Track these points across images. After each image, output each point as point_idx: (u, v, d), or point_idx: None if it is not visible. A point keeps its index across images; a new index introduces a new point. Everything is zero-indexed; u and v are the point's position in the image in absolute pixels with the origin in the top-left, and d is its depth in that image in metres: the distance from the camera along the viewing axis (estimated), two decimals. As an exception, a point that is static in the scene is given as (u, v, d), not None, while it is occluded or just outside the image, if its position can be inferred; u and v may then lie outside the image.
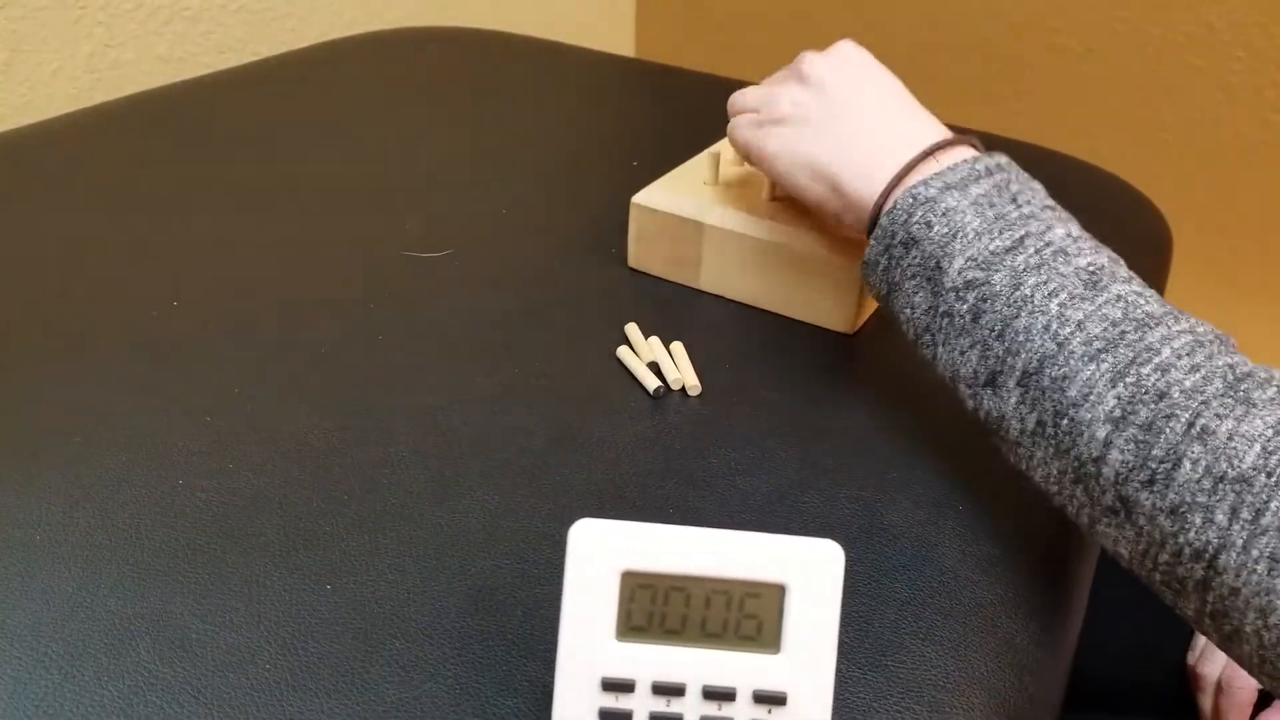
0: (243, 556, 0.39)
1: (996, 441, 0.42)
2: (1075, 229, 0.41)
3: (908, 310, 0.43)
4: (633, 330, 0.53)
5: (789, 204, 0.56)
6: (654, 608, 0.29)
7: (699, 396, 0.49)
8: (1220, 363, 0.36)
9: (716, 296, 0.58)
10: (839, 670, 0.35)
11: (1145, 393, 0.36)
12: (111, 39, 0.87)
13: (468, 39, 0.98)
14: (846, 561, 0.30)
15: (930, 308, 0.42)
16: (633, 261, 0.60)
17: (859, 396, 0.50)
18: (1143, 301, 0.38)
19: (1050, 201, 0.43)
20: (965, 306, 0.40)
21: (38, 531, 0.39)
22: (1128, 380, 0.36)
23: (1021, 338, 0.39)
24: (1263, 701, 0.58)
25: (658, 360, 0.51)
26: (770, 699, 0.29)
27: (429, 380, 0.49)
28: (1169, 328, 0.37)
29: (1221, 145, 1.24)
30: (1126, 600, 0.63)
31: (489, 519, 0.41)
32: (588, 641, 0.30)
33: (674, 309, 0.57)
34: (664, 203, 0.57)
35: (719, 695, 0.30)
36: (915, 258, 0.42)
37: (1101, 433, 0.36)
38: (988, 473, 0.46)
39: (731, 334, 0.55)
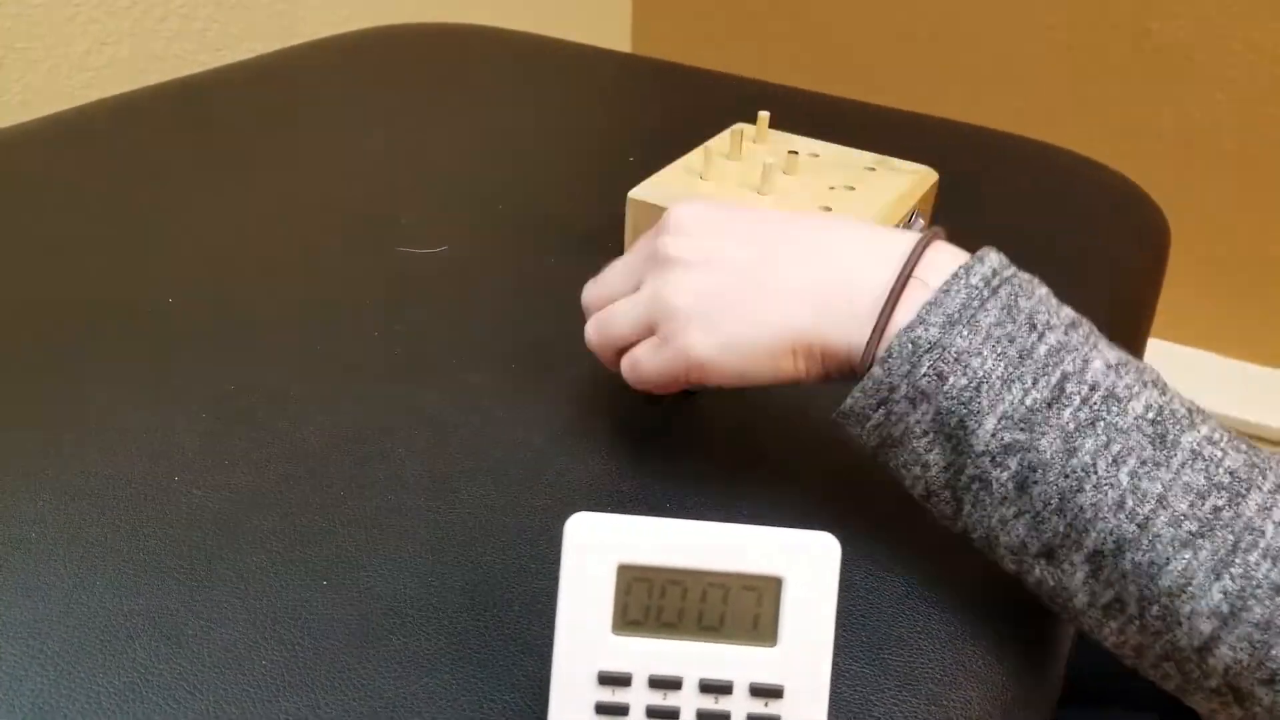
0: (239, 553, 0.39)
1: (1047, 603, 0.36)
2: (1108, 350, 0.35)
3: (916, 469, 0.36)
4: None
5: (786, 197, 0.56)
6: (650, 601, 0.29)
7: (695, 390, 0.49)
8: None
9: (713, 291, 0.58)
10: (835, 663, 0.35)
11: (1257, 587, 0.31)
12: (106, 36, 0.87)
13: (463, 35, 0.98)
14: (843, 554, 0.30)
15: (951, 467, 0.35)
16: (629, 257, 0.60)
17: (856, 391, 0.50)
18: (1219, 454, 0.33)
19: (1067, 314, 0.36)
20: (1006, 475, 0.34)
21: (33, 529, 0.39)
22: (1234, 571, 0.32)
23: (1089, 514, 0.33)
24: None
25: None
26: (767, 692, 0.29)
27: (425, 376, 0.49)
28: (1261, 490, 0.33)
29: (1220, 140, 1.24)
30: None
31: (485, 515, 0.41)
32: (584, 635, 0.30)
33: (671, 304, 0.56)
34: (660, 197, 0.57)
35: (716, 688, 0.30)
36: (925, 414, 0.35)
37: (1206, 627, 0.32)
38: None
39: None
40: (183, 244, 0.59)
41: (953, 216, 0.66)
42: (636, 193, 0.58)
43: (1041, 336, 0.35)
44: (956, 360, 0.34)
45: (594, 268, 0.59)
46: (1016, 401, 0.34)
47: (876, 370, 0.35)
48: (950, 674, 0.37)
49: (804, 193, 0.57)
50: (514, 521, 0.41)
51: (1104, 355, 0.35)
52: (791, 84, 0.89)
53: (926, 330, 0.35)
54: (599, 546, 0.29)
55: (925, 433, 0.35)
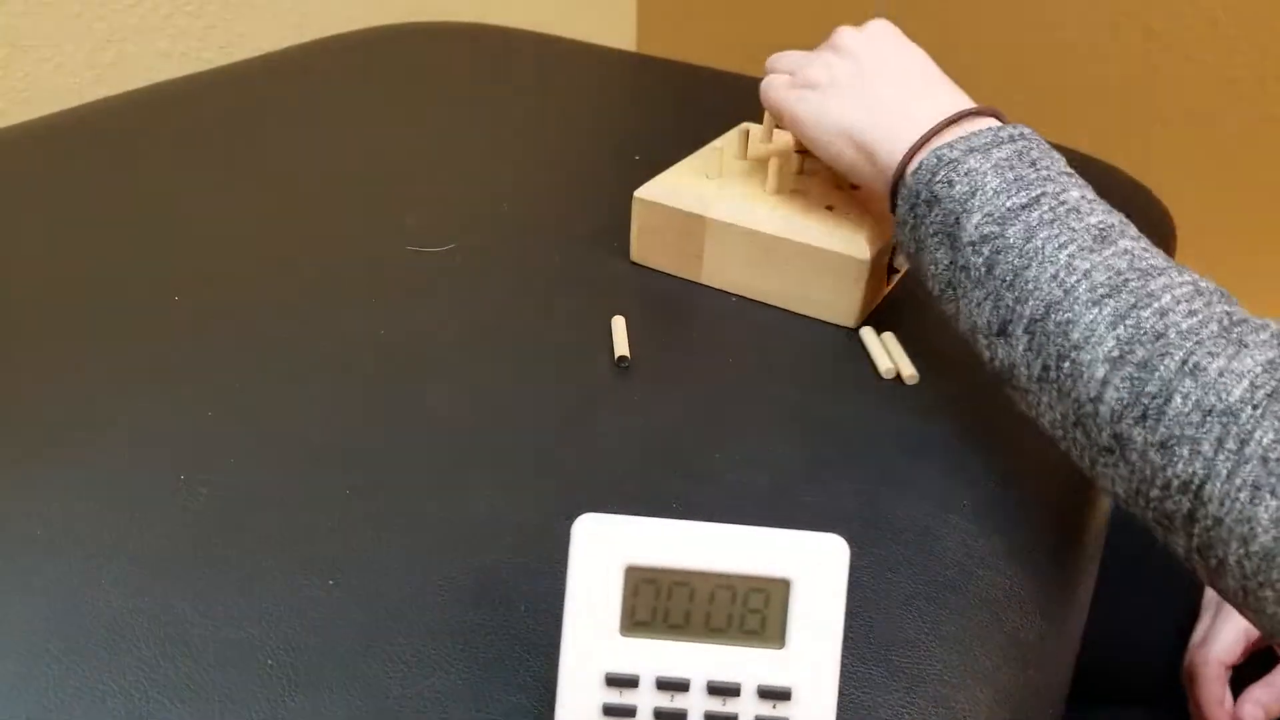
0: (244, 551, 0.39)
1: (1009, 391, 0.43)
2: (1090, 193, 0.43)
3: (932, 267, 0.45)
4: (618, 323, 0.53)
5: (792, 197, 0.56)
6: (658, 603, 0.29)
7: (703, 391, 0.49)
8: (1218, 309, 0.37)
9: (719, 290, 0.58)
10: (843, 665, 0.35)
11: (1143, 334, 0.37)
12: (112, 34, 0.87)
13: (470, 34, 0.98)
14: (850, 556, 0.30)
15: (950, 263, 0.44)
16: (635, 255, 0.60)
17: (862, 390, 0.50)
18: (1149, 255, 0.40)
19: (1068, 169, 0.44)
20: (980, 260, 0.42)
21: (38, 526, 0.39)
22: (1127, 323, 0.37)
23: (1030, 286, 0.40)
24: (1240, 681, 0.58)
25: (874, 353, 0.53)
26: (775, 694, 0.29)
27: (431, 375, 0.49)
28: (1171, 278, 0.39)
29: (1224, 138, 1.23)
30: (1132, 593, 0.63)
31: (492, 513, 0.41)
32: (592, 637, 0.29)
33: (677, 303, 0.56)
34: (666, 197, 0.57)
35: (723, 690, 0.29)
36: (937, 215, 0.44)
37: (1100, 372, 0.38)
38: (992, 467, 0.46)
39: (734, 327, 0.55)
40: (188, 241, 0.59)
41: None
42: (642, 192, 0.58)
43: (1038, 171, 0.43)
44: (965, 174, 0.43)
45: (601, 267, 0.59)
46: (1000, 204, 0.42)
47: (909, 179, 0.45)
48: (958, 675, 0.37)
49: (810, 191, 0.57)
50: (520, 521, 0.41)
51: (1084, 192, 0.43)
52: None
53: (950, 150, 0.44)
54: (606, 548, 0.29)
55: (935, 233, 0.44)
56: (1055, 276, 0.40)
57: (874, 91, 0.49)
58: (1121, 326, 0.37)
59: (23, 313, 0.52)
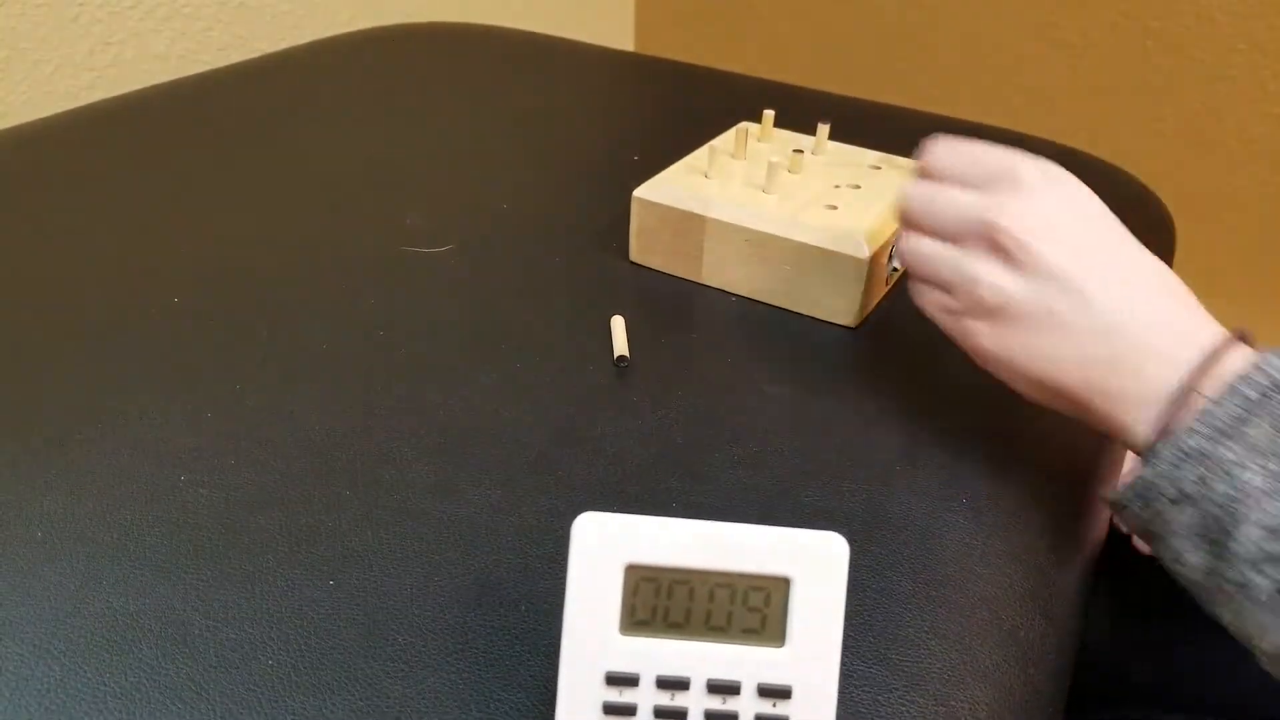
0: (245, 552, 0.39)
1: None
2: None
3: (1176, 564, 0.38)
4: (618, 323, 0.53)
5: (789, 197, 0.56)
6: (658, 601, 0.29)
7: (702, 390, 0.49)
8: None
9: (719, 290, 0.58)
10: (843, 663, 0.35)
11: None
12: (110, 36, 0.87)
13: (467, 34, 0.98)
14: (850, 554, 0.30)
15: (1212, 571, 0.36)
16: (635, 255, 0.60)
17: (862, 389, 0.50)
18: None
19: None
20: (1268, 583, 0.35)
21: (39, 527, 0.39)
22: None
23: None
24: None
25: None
26: (775, 692, 0.29)
27: (430, 375, 0.49)
28: None
29: (1223, 137, 1.24)
30: (1134, 594, 0.63)
31: (491, 513, 0.41)
32: (591, 635, 0.29)
33: (676, 303, 0.56)
34: (665, 196, 0.57)
35: (723, 689, 0.29)
36: (1189, 515, 0.36)
37: None
38: (992, 465, 0.46)
39: (734, 327, 0.55)
40: (187, 243, 0.59)
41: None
42: (642, 192, 0.58)
43: None
44: (1224, 471, 0.35)
45: (600, 267, 0.59)
46: (1277, 513, 0.34)
47: (1146, 471, 0.37)
48: (958, 674, 0.37)
49: (809, 192, 0.57)
50: (520, 521, 0.41)
51: None
52: (794, 82, 0.89)
53: (1194, 440, 0.36)
54: (606, 547, 0.29)
55: (1187, 535, 0.36)
56: None
57: (1075, 333, 0.38)
58: None
59: (21, 314, 0.52)
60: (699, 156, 0.61)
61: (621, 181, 0.61)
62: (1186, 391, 0.36)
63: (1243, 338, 0.38)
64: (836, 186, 0.58)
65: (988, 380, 0.44)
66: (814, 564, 0.29)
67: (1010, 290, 0.40)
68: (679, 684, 0.29)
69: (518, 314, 0.55)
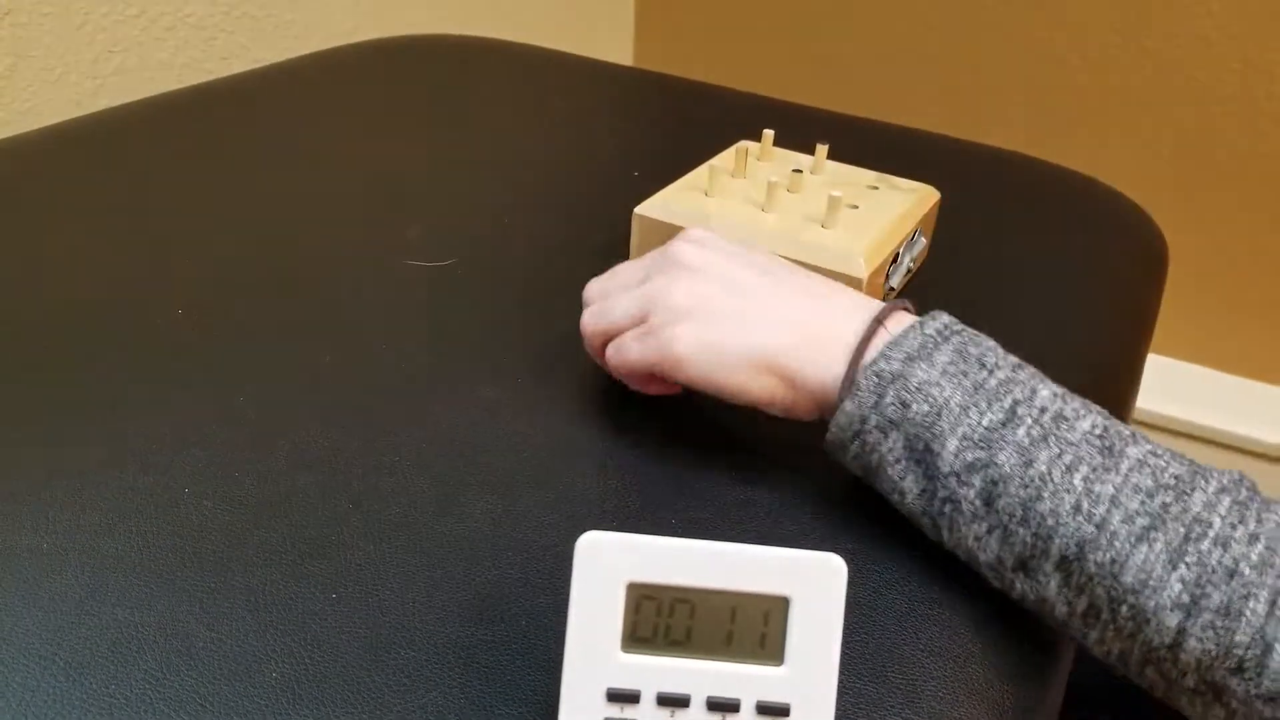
0: (249, 565, 0.39)
1: (1040, 616, 0.39)
2: (1053, 385, 0.39)
3: (896, 495, 0.40)
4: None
5: (788, 216, 0.57)
6: (659, 619, 0.30)
7: (701, 408, 0.50)
8: (1272, 524, 0.34)
9: (717, 307, 0.58)
10: (840, 681, 0.35)
11: (1213, 572, 0.33)
12: (115, 45, 0.87)
13: (468, 47, 0.98)
14: (847, 573, 0.30)
15: (925, 491, 0.39)
16: (634, 272, 0.60)
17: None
18: (1163, 463, 0.36)
19: (1014, 359, 0.40)
20: (973, 492, 0.37)
21: (44, 539, 0.40)
22: (1188, 560, 0.34)
23: (1050, 521, 0.36)
24: None
25: None
26: (774, 710, 0.30)
27: (432, 389, 0.50)
28: (1205, 489, 0.35)
29: (1217, 158, 1.25)
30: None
31: (493, 528, 0.42)
32: (593, 653, 0.30)
33: (675, 319, 0.57)
34: (666, 213, 0.58)
35: (723, 706, 0.30)
36: (896, 440, 0.39)
37: (1172, 620, 0.34)
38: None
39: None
40: (190, 255, 0.60)
41: (953, 235, 0.67)
42: (642, 209, 0.58)
43: (991, 372, 0.39)
44: (918, 389, 0.38)
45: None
46: (974, 424, 0.37)
47: (848, 404, 0.39)
48: (953, 691, 0.37)
49: (807, 211, 0.58)
50: (521, 536, 0.42)
51: (1050, 386, 0.39)
52: (793, 99, 0.90)
53: (889, 364, 0.39)
54: (609, 565, 0.30)
55: (898, 460, 0.39)
56: (1078, 508, 0.35)
57: (763, 307, 0.42)
58: (1183, 565, 0.34)
59: (25, 323, 0.52)
60: (699, 175, 0.62)
61: (622, 197, 0.62)
62: (873, 328, 0.40)
63: (905, 308, 0.42)
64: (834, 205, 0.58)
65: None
66: (813, 584, 0.30)
67: (699, 289, 0.42)
68: (679, 701, 0.30)
69: (519, 329, 0.55)
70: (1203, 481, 0.36)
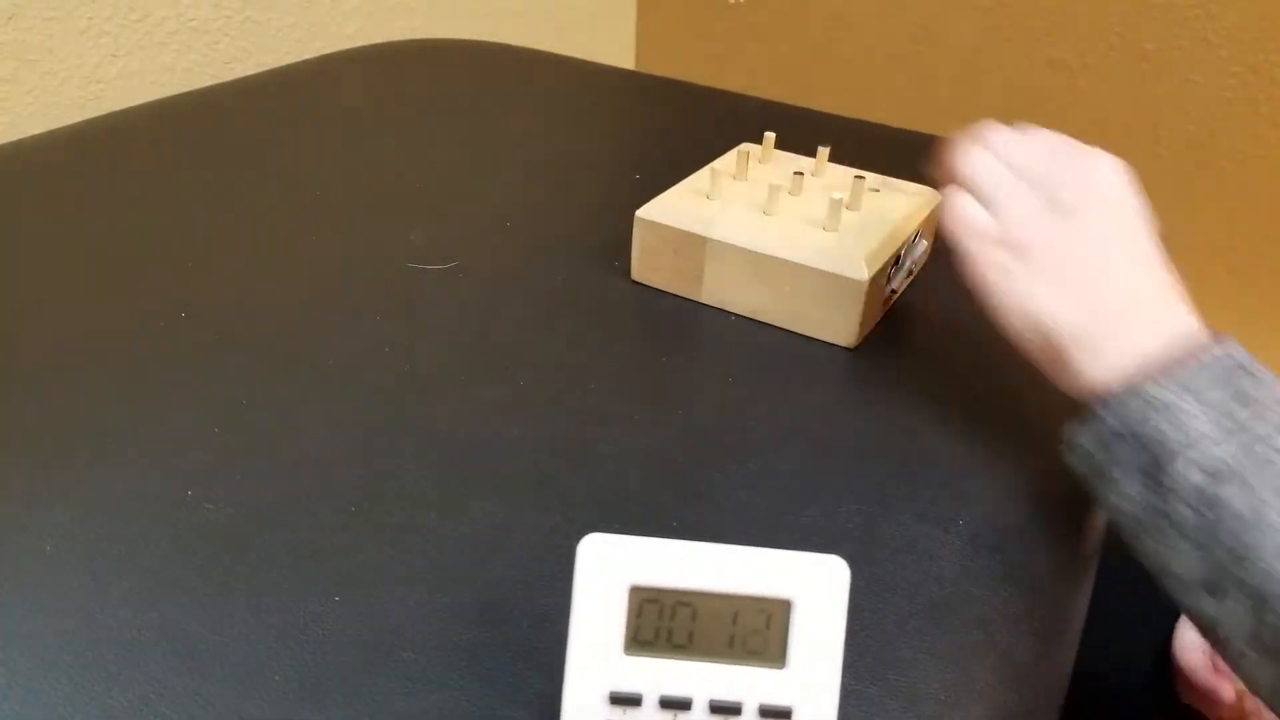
0: (251, 567, 0.39)
1: (1208, 640, 0.39)
2: None
3: (1114, 497, 0.41)
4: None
5: (790, 219, 0.57)
6: (661, 622, 0.30)
7: (702, 410, 0.50)
8: None
9: (719, 309, 0.58)
10: (841, 683, 0.35)
11: None
12: (118, 49, 0.88)
13: (470, 51, 0.99)
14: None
15: (1145, 502, 0.40)
16: (636, 274, 0.60)
17: (861, 410, 0.51)
18: None
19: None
20: (1190, 512, 0.38)
21: (47, 541, 0.40)
22: None
23: (1252, 555, 0.36)
24: None
25: None
26: (776, 713, 0.30)
27: (434, 392, 0.50)
28: None
29: (1218, 159, 1.25)
30: (1124, 611, 0.64)
31: (495, 531, 0.42)
32: (596, 655, 0.30)
33: (677, 322, 0.57)
34: (668, 217, 0.58)
35: (725, 709, 0.30)
36: (1134, 450, 0.40)
37: None
38: (989, 487, 0.47)
39: (734, 347, 0.55)
40: (194, 258, 0.60)
41: (956, 237, 0.66)
42: (644, 212, 0.58)
43: (1250, 408, 0.39)
44: (1175, 418, 0.39)
45: (602, 285, 0.60)
46: (1210, 453, 0.38)
47: (1109, 419, 0.41)
48: (953, 694, 0.37)
49: (809, 214, 0.58)
50: (522, 538, 0.42)
51: None
52: (794, 101, 0.90)
53: (1160, 390, 0.39)
54: (611, 568, 0.30)
55: (1128, 467, 0.40)
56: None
57: (1087, 285, 0.43)
58: None
59: (29, 326, 0.53)
60: (700, 178, 0.62)
61: (623, 200, 0.62)
62: (1162, 355, 0.40)
63: (1219, 342, 0.41)
64: (848, 208, 0.58)
65: (985, 403, 0.44)
66: (815, 586, 0.30)
67: (1053, 231, 0.44)
68: (682, 704, 0.30)
69: (521, 331, 0.55)
70: None
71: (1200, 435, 0.38)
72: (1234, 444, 0.38)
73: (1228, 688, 0.60)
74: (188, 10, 0.92)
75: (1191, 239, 1.27)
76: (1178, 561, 0.39)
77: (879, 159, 0.67)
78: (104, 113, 0.78)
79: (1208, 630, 0.39)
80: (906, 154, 0.79)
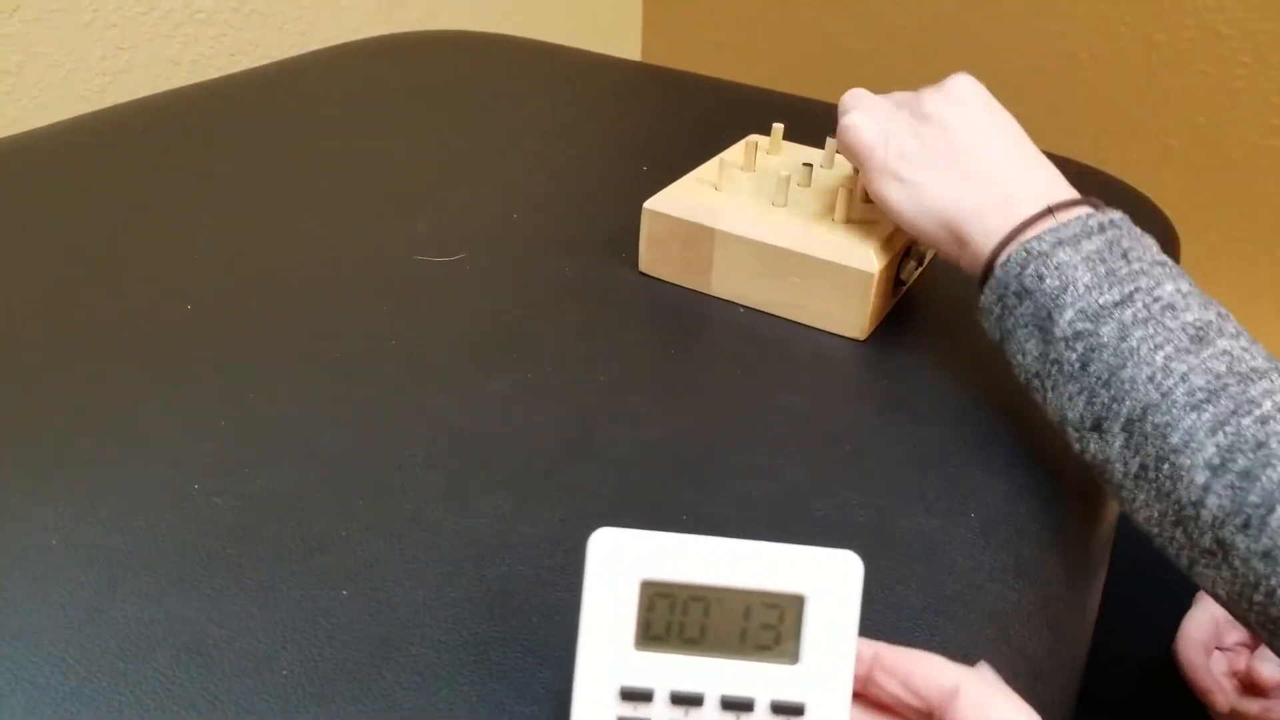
0: (258, 561, 0.39)
1: (1102, 484, 0.43)
2: (1185, 284, 0.43)
3: (1019, 356, 0.45)
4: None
5: (799, 210, 0.57)
6: (673, 617, 0.30)
7: (711, 402, 0.49)
8: None
9: (728, 301, 0.58)
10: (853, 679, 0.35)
11: (1244, 442, 0.37)
12: (123, 42, 0.87)
13: (476, 43, 0.98)
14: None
15: (1041, 355, 0.44)
16: (644, 266, 0.60)
17: (871, 402, 0.51)
18: (1249, 357, 0.40)
19: (1161, 257, 0.44)
20: (1074, 355, 0.42)
21: (54, 536, 0.40)
22: (1227, 429, 0.38)
23: (1126, 386, 0.40)
24: None
25: None
26: (788, 709, 0.30)
27: (442, 384, 0.50)
28: (1272, 381, 0.39)
29: (1228, 151, 1.24)
30: (1137, 603, 0.64)
31: (503, 523, 0.42)
32: (606, 650, 0.30)
33: (685, 314, 0.57)
34: (675, 208, 0.57)
35: (737, 705, 0.30)
36: (1028, 307, 0.44)
37: (1201, 478, 0.38)
38: (1001, 480, 0.46)
39: (743, 339, 0.55)
40: (199, 250, 0.60)
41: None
42: (652, 204, 0.58)
43: (1129, 263, 0.43)
44: (1056, 269, 0.43)
45: (609, 277, 0.60)
46: (1093, 301, 0.42)
47: (998, 271, 0.45)
48: (967, 690, 0.37)
49: (818, 205, 0.57)
50: (532, 531, 0.41)
51: (1179, 284, 0.42)
52: (801, 93, 0.90)
53: (1039, 244, 0.44)
54: (622, 562, 0.29)
55: (1025, 324, 0.44)
56: (1152, 378, 0.40)
57: (967, 171, 0.48)
58: (1221, 433, 0.38)
59: (34, 319, 0.52)
60: (709, 169, 0.61)
61: (630, 192, 0.62)
62: (1041, 214, 0.45)
63: (1091, 204, 0.46)
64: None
65: (997, 394, 0.44)
66: (828, 582, 0.29)
67: (928, 139, 0.49)
68: (693, 700, 0.30)
69: (528, 323, 0.55)
70: (1276, 375, 0.39)
71: (1080, 283, 0.42)
72: (1115, 292, 0.42)
73: (1228, 686, 0.60)
74: (194, 3, 0.91)
75: (1202, 230, 1.26)
76: (1070, 407, 0.43)
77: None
78: (109, 105, 0.78)
79: (1101, 473, 0.42)
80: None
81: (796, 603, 0.29)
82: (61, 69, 0.84)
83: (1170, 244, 0.74)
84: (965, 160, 0.48)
